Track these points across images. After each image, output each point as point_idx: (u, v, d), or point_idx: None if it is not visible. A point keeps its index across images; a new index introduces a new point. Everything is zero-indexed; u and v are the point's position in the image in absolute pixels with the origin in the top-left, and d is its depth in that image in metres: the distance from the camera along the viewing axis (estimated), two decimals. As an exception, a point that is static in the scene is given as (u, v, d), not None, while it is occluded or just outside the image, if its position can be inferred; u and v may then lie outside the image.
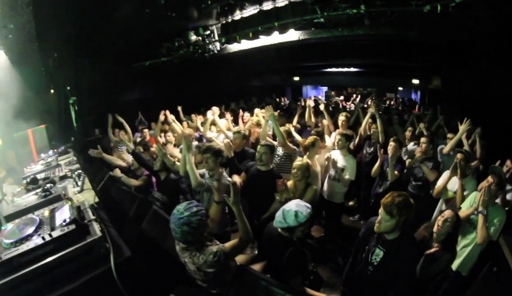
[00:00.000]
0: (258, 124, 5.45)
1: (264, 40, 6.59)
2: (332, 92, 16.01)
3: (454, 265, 3.10)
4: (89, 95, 7.58)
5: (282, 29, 6.00)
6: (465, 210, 3.26)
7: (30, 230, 1.96)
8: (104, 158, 4.34)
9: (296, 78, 14.82)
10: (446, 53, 7.05)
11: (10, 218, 2.33)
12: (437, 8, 4.37)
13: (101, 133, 7.08)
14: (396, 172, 4.12)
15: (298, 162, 3.55)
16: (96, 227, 1.92)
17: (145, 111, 8.12)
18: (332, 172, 4.33)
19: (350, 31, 5.65)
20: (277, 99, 11.50)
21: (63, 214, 2.07)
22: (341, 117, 5.50)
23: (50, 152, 4.93)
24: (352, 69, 12.12)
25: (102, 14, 6.18)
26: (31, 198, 2.72)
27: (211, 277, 2.09)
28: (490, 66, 6.55)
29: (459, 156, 3.73)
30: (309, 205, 2.45)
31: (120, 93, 8.80)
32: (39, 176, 3.55)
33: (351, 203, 5.82)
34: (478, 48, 5.79)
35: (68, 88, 7.18)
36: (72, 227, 1.86)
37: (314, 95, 15.06)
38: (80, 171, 3.46)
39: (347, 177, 4.15)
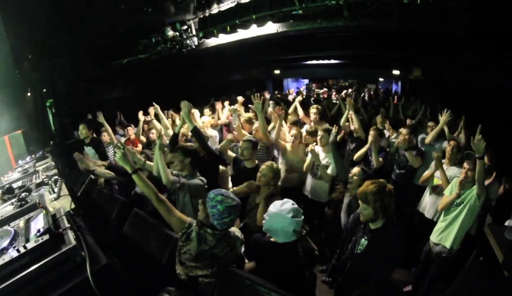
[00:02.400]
0: (249, 122, 5.23)
1: (242, 34, 6.53)
2: (313, 85, 16.10)
3: (448, 243, 3.20)
4: (67, 97, 7.38)
5: (260, 22, 5.95)
6: (448, 194, 3.38)
7: (5, 242, 1.90)
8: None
9: (277, 72, 14.79)
10: (426, 44, 7.14)
11: (-15, 230, 2.24)
12: (417, -1, 4.42)
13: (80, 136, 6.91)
14: (380, 159, 4.17)
15: (265, 165, 3.29)
16: (71, 236, 1.88)
17: (126, 110, 7.95)
18: (315, 169, 4.27)
19: (329, 23, 5.64)
20: (257, 94, 11.42)
21: (38, 223, 2.02)
22: (312, 110, 5.33)
23: (28, 158, 4.80)
24: (332, 61, 12.14)
25: (76, 11, 6.00)
26: (7, 208, 2.64)
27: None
28: (469, 56, 6.67)
29: (452, 143, 3.86)
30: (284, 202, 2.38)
31: (99, 93, 8.57)
32: (16, 184, 3.47)
33: (334, 195, 5.80)
34: (457, 38, 5.88)
35: (45, 90, 6.97)
36: (46, 237, 1.82)
37: (296, 87, 15.12)
38: (57, 177, 3.37)
39: (329, 172, 4.10)
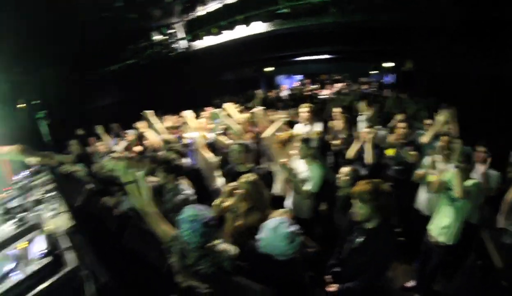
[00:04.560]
0: (252, 123, 4.82)
1: (230, 35, 6.51)
2: (306, 80, 16.05)
3: (442, 238, 3.17)
4: (59, 107, 7.39)
5: (247, 22, 5.96)
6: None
7: (9, 266, 1.94)
8: None
9: (269, 69, 14.72)
10: (417, 36, 7.15)
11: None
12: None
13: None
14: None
15: (244, 178, 2.82)
16: (71, 256, 1.93)
17: (118, 116, 7.92)
18: None
19: (316, 20, 5.65)
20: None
21: (39, 245, 2.07)
22: (304, 109, 4.85)
23: (24, 173, 4.77)
24: (324, 56, 12.04)
25: (62, 21, 5.96)
26: (7, 230, 2.62)
27: None
28: (458, 47, 6.71)
29: (445, 139, 3.73)
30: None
31: (91, 101, 8.58)
32: (13, 203, 3.45)
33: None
34: (446, 30, 5.88)
35: (36, 101, 6.98)
36: (48, 259, 1.87)
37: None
38: (53, 193, 3.39)
39: (306, 187, 3.43)
